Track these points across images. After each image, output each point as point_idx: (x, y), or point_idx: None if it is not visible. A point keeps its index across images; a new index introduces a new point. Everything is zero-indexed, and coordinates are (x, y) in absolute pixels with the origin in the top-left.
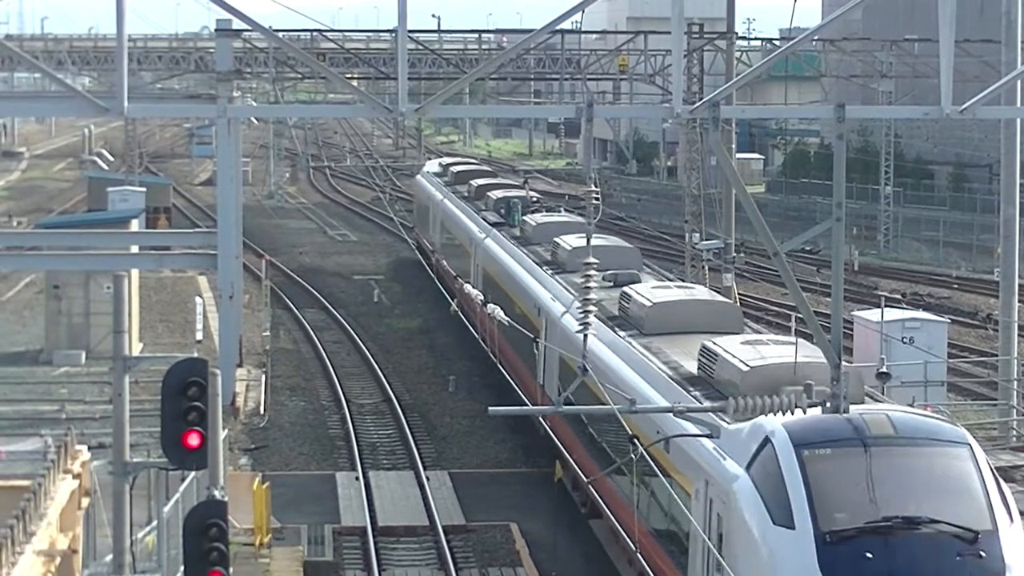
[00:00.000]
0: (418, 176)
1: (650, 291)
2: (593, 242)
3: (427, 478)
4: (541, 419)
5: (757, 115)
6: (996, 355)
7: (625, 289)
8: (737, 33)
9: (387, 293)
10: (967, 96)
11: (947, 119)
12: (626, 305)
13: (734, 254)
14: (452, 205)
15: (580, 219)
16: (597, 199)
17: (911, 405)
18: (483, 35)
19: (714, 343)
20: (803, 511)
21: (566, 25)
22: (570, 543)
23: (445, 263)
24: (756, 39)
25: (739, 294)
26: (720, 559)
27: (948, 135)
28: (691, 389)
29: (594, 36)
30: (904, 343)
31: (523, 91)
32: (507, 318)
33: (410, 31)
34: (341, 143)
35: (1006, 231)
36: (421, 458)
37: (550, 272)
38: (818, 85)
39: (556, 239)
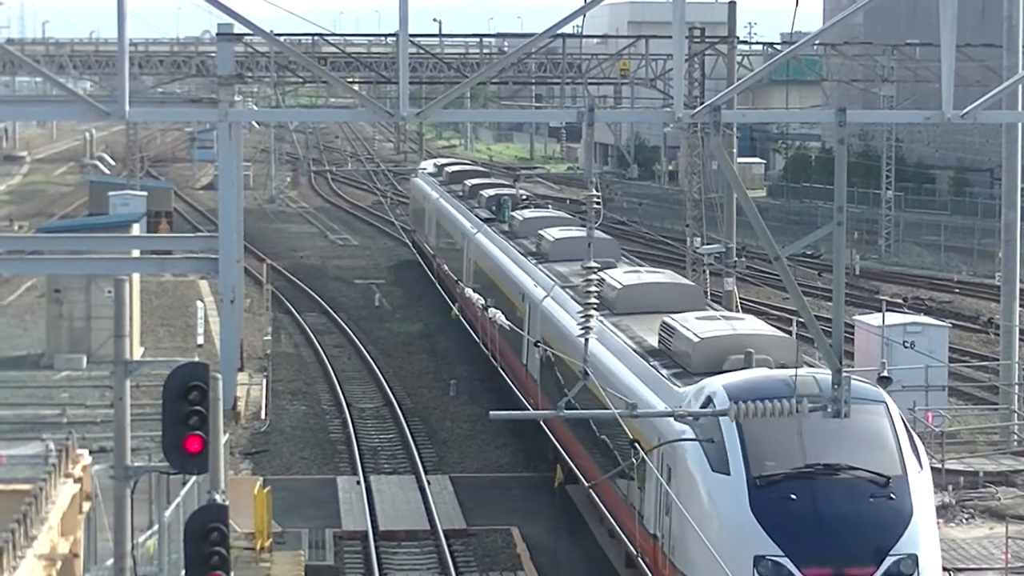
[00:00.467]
0: (413, 176)
1: (621, 275)
2: (574, 233)
3: (428, 482)
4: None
5: (758, 119)
6: (997, 359)
7: (599, 274)
8: (738, 37)
9: (388, 297)
10: (968, 100)
11: (948, 123)
12: (599, 288)
13: (735, 258)
14: (447, 203)
15: (563, 214)
16: (598, 203)
17: (912, 410)
18: (484, 39)
19: (672, 319)
20: (737, 459)
21: (567, 29)
22: (571, 547)
23: (439, 257)
24: (757, 43)
25: (740, 298)
26: (670, 503)
27: (949, 139)
28: (651, 360)
29: (595, 40)
30: (905, 347)
31: (524, 95)
32: (508, 323)
33: (411, 35)
34: (342, 147)
35: (1007, 235)
36: (422, 462)
37: (534, 261)
38: (819, 89)
39: (540, 231)
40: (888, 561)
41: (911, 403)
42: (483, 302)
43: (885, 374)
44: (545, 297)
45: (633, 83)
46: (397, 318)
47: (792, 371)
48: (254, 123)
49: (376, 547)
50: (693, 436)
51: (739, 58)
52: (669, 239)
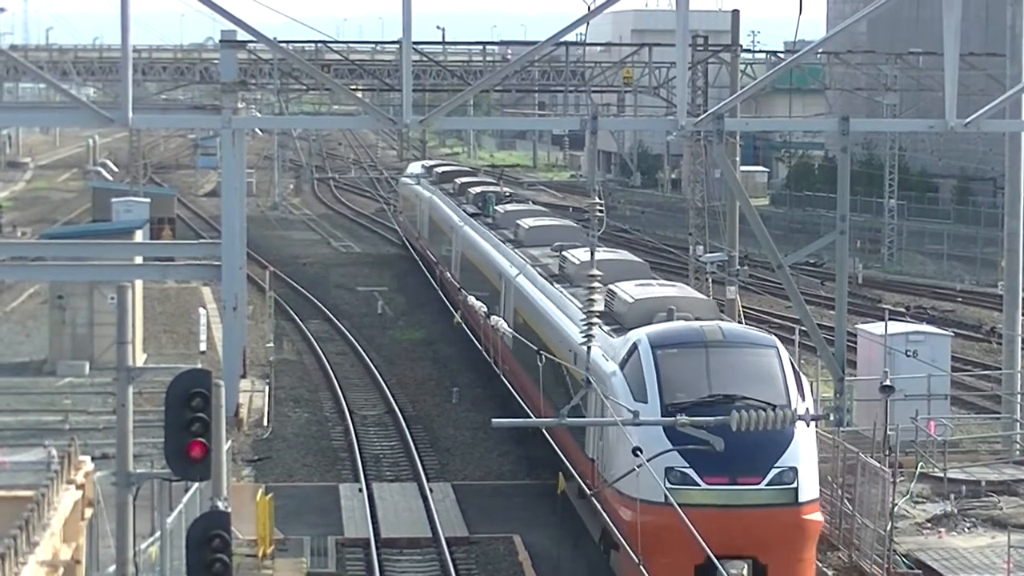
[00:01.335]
0: (403, 177)
1: (580, 254)
2: (545, 221)
3: (430, 490)
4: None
5: (761, 128)
6: (999, 368)
7: (563, 253)
8: (742, 45)
9: (391, 305)
10: (972, 109)
11: (952, 132)
12: (562, 265)
13: (738, 267)
14: (439, 200)
15: (540, 208)
16: (601, 211)
17: (914, 419)
18: (488, 47)
19: (616, 286)
20: (654, 391)
21: (570, 37)
22: (573, 555)
23: (429, 250)
24: (761, 51)
25: (743, 307)
26: (603, 430)
27: (952, 148)
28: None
29: (599, 48)
30: (908, 356)
31: (527, 103)
32: (512, 330)
33: (415, 43)
34: (345, 154)
35: (1010, 244)
36: (424, 470)
37: (510, 247)
38: (822, 98)
39: (517, 221)
40: (772, 472)
41: (913, 412)
42: (485, 309)
43: (887, 383)
44: (518, 275)
45: (636, 91)
46: (399, 325)
47: (702, 322)
48: (257, 130)
49: (378, 554)
50: (623, 375)
51: (742, 66)
52: (672, 247)
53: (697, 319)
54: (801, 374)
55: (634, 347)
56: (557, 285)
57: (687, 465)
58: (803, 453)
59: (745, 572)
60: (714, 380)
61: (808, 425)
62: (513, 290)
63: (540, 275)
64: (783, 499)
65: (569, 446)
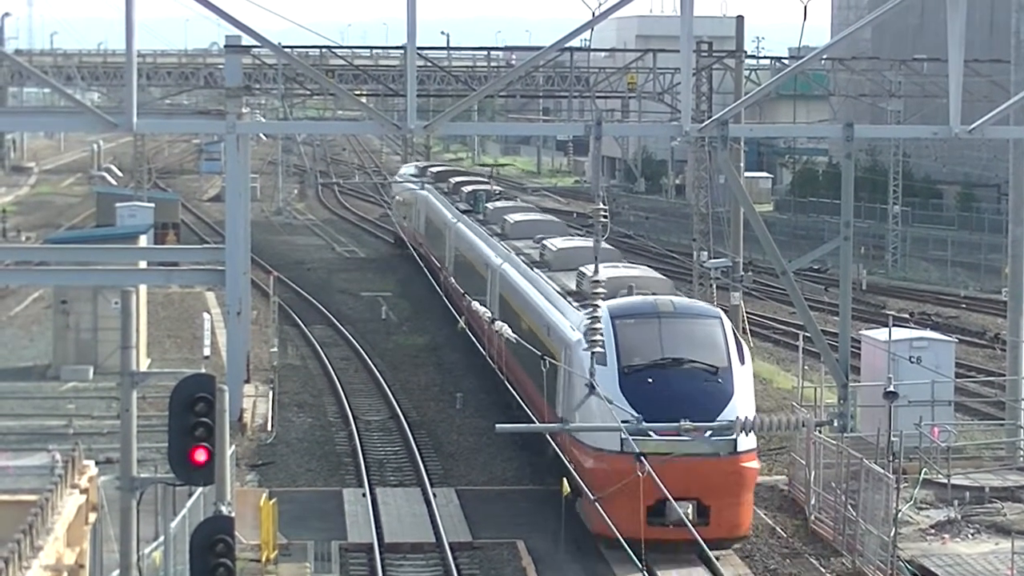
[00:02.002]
0: (396, 176)
1: (558, 242)
2: (530, 216)
3: (434, 495)
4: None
5: (766, 134)
6: (1003, 375)
7: (542, 240)
8: (746, 52)
9: (395, 310)
10: (976, 116)
11: (956, 138)
12: (543, 252)
13: (742, 273)
14: (433, 198)
15: (526, 204)
16: (605, 217)
17: (917, 425)
18: (492, 52)
19: (585, 268)
20: (612, 355)
21: (575, 43)
22: (576, 560)
23: (425, 243)
24: (765, 58)
25: (747, 312)
26: (570, 389)
27: (957, 155)
28: (568, 297)
29: (603, 54)
30: (912, 362)
31: (532, 108)
32: (515, 336)
33: (419, 48)
34: (350, 159)
35: (1014, 251)
36: (428, 475)
37: (497, 240)
38: (827, 104)
39: (504, 216)
40: (713, 424)
41: (917, 418)
42: (490, 315)
43: (891, 389)
44: (502, 263)
45: (641, 97)
46: (404, 331)
47: (657, 297)
48: (261, 135)
49: (382, 559)
50: (586, 343)
51: (747, 72)
52: (676, 253)
53: (654, 295)
54: (743, 342)
55: (596, 320)
56: (536, 270)
57: (640, 417)
58: (741, 408)
59: (690, 511)
60: (665, 345)
61: (814, 429)
62: (498, 277)
63: (523, 262)
64: (724, 449)
65: (544, 410)
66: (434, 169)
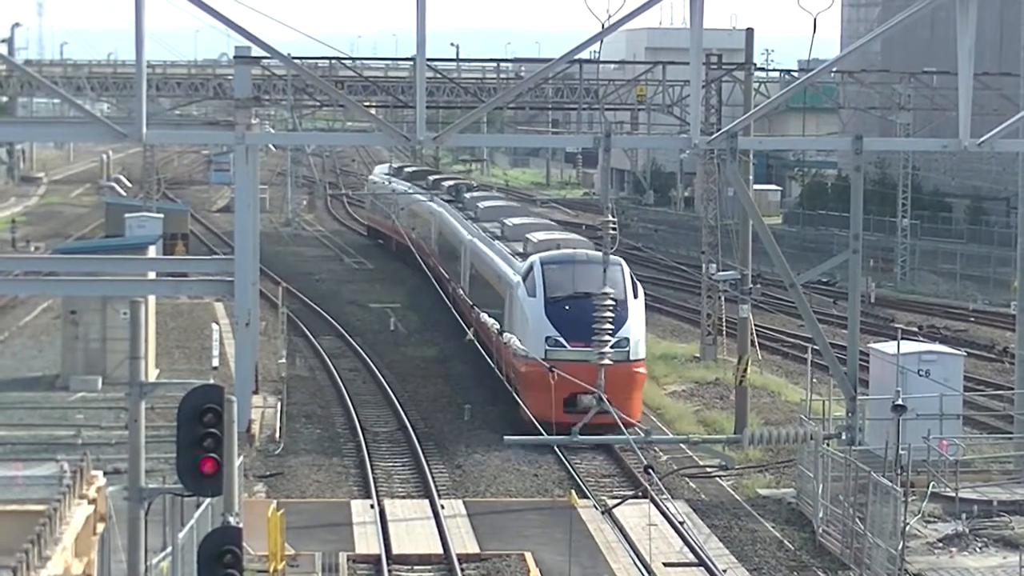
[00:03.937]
0: (371, 176)
1: (515, 220)
2: (498, 203)
3: (442, 506)
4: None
5: (775, 146)
6: (1012, 388)
7: (503, 219)
8: (755, 64)
9: (403, 321)
10: (985, 129)
11: (965, 151)
12: (502, 228)
13: (751, 285)
14: (422, 197)
15: (498, 194)
16: (614, 229)
17: (926, 439)
18: (501, 64)
19: (530, 234)
20: (540, 289)
21: (584, 55)
22: (585, 573)
23: (413, 233)
24: (774, 70)
25: (755, 325)
26: (510, 316)
27: (966, 167)
28: (515, 256)
29: (612, 66)
30: (920, 376)
31: (541, 120)
32: (520, 344)
33: (429, 60)
34: (359, 171)
35: (1023, 264)
36: (436, 486)
37: (470, 222)
38: (836, 117)
39: (477, 203)
40: (613, 340)
41: (925, 431)
42: (498, 327)
43: (900, 402)
44: (471, 240)
45: (650, 109)
46: (412, 342)
47: (575, 250)
48: (271, 146)
49: (389, 571)
50: (523, 282)
51: (756, 85)
52: (684, 265)
53: (574, 250)
54: (637, 283)
55: (531, 265)
56: (496, 242)
57: (559, 335)
58: (633, 328)
59: (595, 401)
60: (578, 283)
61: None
62: (470, 251)
63: (487, 238)
64: (620, 357)
65: (491, 337)
66: (408, 169)
